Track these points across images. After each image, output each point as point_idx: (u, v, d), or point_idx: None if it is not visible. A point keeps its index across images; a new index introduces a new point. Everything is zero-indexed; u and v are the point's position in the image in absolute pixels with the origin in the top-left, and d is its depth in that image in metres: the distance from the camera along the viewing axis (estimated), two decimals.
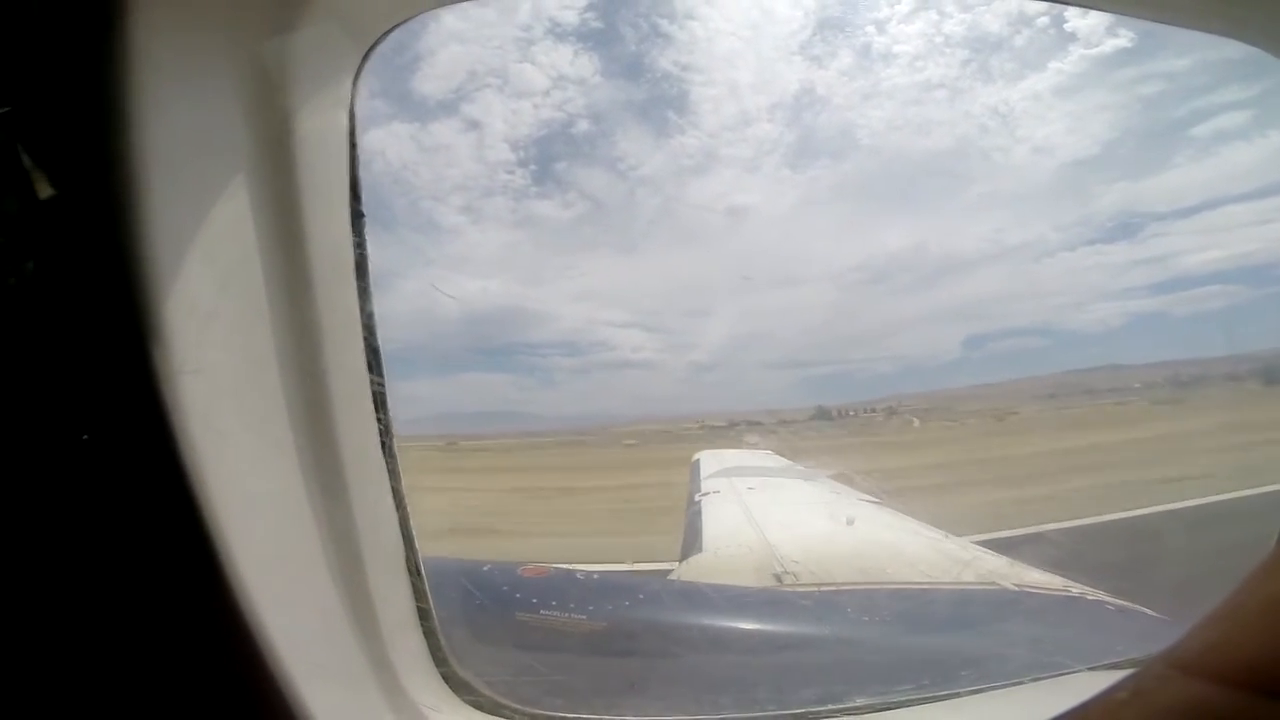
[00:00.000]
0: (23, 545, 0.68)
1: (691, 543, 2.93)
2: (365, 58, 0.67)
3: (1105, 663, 0.96)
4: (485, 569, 1.80)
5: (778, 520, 3.09)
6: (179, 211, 0.55)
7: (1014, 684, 0.93)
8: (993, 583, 1.79)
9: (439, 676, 0.90)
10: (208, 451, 0.60)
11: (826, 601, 1.78)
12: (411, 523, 0.87)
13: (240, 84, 0.58)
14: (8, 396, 0.65)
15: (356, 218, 0.71)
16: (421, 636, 0.89)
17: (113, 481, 0.64)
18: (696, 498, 3.78)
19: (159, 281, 0.55)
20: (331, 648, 0.77)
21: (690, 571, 2.48)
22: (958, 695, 0.91)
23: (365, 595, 0.80)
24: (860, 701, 0.93)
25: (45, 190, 0.53)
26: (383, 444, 0.82)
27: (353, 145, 0.68)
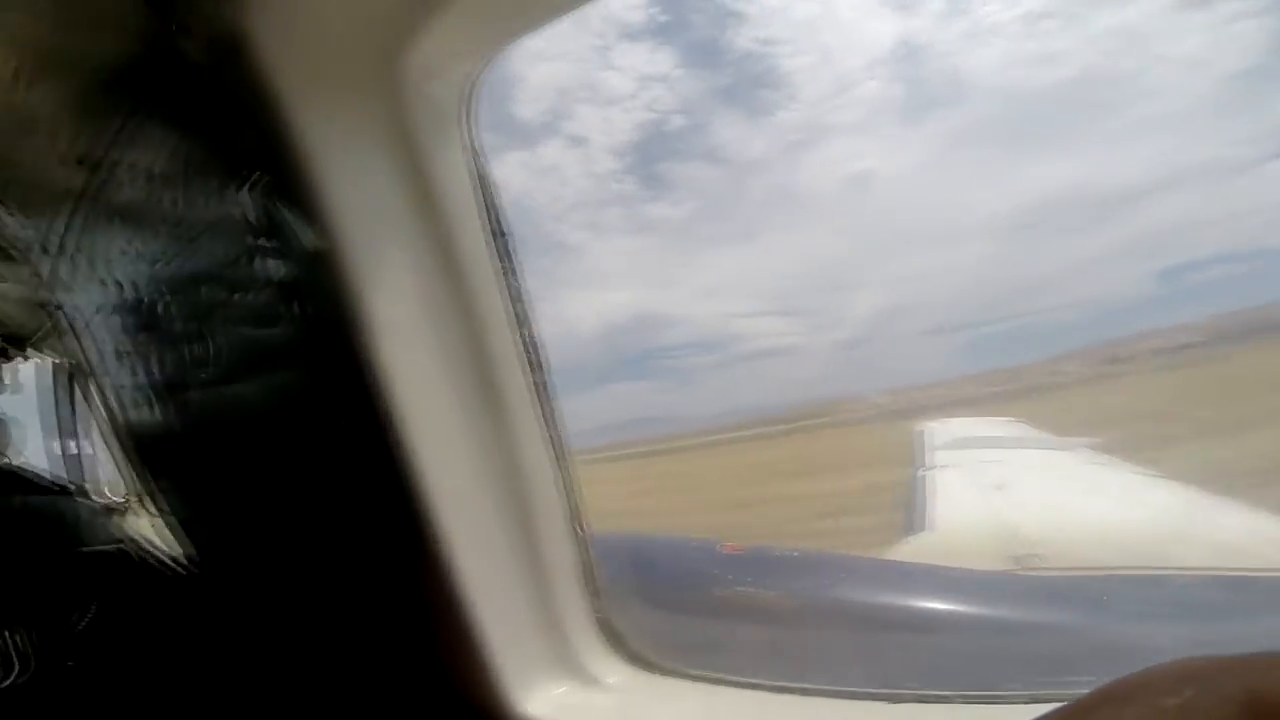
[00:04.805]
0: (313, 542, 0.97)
1: (913, 521, 2.69)
2: (470, 93, 0.77)
3: None
4: (691, 545, 1.91)
5: (1022, 496, 2.67)
6: (370, 258, 0.72)
7: None
8: None
9: (602, 635, 0.99)
10: (418, 443, 0.78)
11: (1077, 588, 1.49)
12: (582, 511, 0.98)
13: (383, 145, 0.74)
14: (303, 413, 0.91)
15: (499, 239, 0.83)
16: (589, 599, 0.99)
17: (349, 478, 0.87)
18: (920, 472, 3.44)
19: (366, 314, 0.73)
20: (518, 613, 0.92)
21: (911, 552, 2.28)
22: None
23: (540, 561, 0.93)
24: None
25: (302, 247, 0.74)
26: (549, 434, 0.93)
27: (480, 174, 0.80)
